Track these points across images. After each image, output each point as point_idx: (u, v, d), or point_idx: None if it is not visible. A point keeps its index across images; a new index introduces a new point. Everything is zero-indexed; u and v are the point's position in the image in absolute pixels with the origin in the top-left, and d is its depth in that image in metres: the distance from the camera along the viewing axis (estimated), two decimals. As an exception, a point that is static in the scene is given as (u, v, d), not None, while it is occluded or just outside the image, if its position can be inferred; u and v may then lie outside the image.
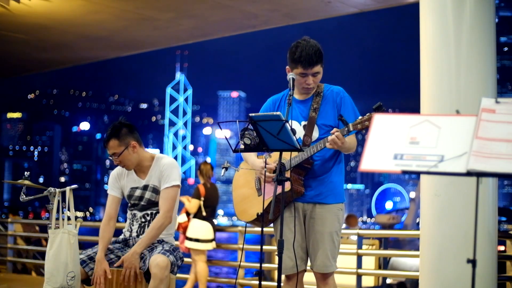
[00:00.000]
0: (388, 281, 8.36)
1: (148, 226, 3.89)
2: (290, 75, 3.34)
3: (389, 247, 10.08)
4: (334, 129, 3.17)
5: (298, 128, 3.40)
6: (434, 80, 4.54)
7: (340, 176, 3.50)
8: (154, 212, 3.91)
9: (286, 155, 3.29)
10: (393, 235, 9.65)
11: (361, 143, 2.71)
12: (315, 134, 3.39)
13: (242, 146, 3.12)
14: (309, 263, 3.46)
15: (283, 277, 3.27)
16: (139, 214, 3.93)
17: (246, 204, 3.55)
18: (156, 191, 3.89)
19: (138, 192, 3.94)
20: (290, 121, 3.08)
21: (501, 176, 1.99)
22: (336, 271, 3.44)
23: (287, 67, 3.42)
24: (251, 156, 3.51)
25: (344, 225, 11.11)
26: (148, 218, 3.91)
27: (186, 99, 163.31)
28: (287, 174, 3.25)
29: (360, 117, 3.15)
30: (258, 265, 3.29)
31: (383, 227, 16.50)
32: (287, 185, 3.21)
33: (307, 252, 3.44)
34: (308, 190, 3.38)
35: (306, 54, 3.30)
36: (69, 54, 11.05)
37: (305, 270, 3.46)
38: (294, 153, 3.28)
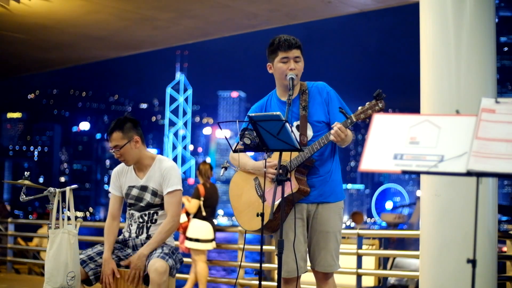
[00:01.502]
0: (392, 281, 8.35)
1: (146, 227, 3.89)
2: (289, 75, 3.32)
3: (394, 247, 10.08)
4: (336, 122, 3.16)
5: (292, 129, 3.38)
6: (434, 80, 4.54)
7: (338, 174, 3.49)
8: (152, 212, 3.90)
9: (285, 157, 3.26)
10: (392, 235, 9.62)
11: (361, 143, 2.71)
12: (309, 132, 3.37)
13: (241, 146, 3.10)
14: (308, 263, 3.45)
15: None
16: (137, 214, 3.92)
17: (250, 212, 3.43)
18: (155, 194, 3.88)
19: (135, 192, 3.92)
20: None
21: (501, 176, 1.99)
22: (336, 271, 3.43)
23: (268, 64, 3.43)
24: (250, 161, 3.49)
25: (352, 224, 11.11)
26: (146, 218, 3.90)
27: (186, 99, 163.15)
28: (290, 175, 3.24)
29: (360, 107, 3.15)
30: (258, 265, 3.28)
31: (389, 226, 16.48)
32: (293, 186, 3.19)
33: (308, 253, 3.43)
34: (312, 190, 3.35)
35: (285, 40, 3.35)
36: (69, 54, 11.05)
37: (305, 271, 3.45)
38: (294, 154, 3.26)
